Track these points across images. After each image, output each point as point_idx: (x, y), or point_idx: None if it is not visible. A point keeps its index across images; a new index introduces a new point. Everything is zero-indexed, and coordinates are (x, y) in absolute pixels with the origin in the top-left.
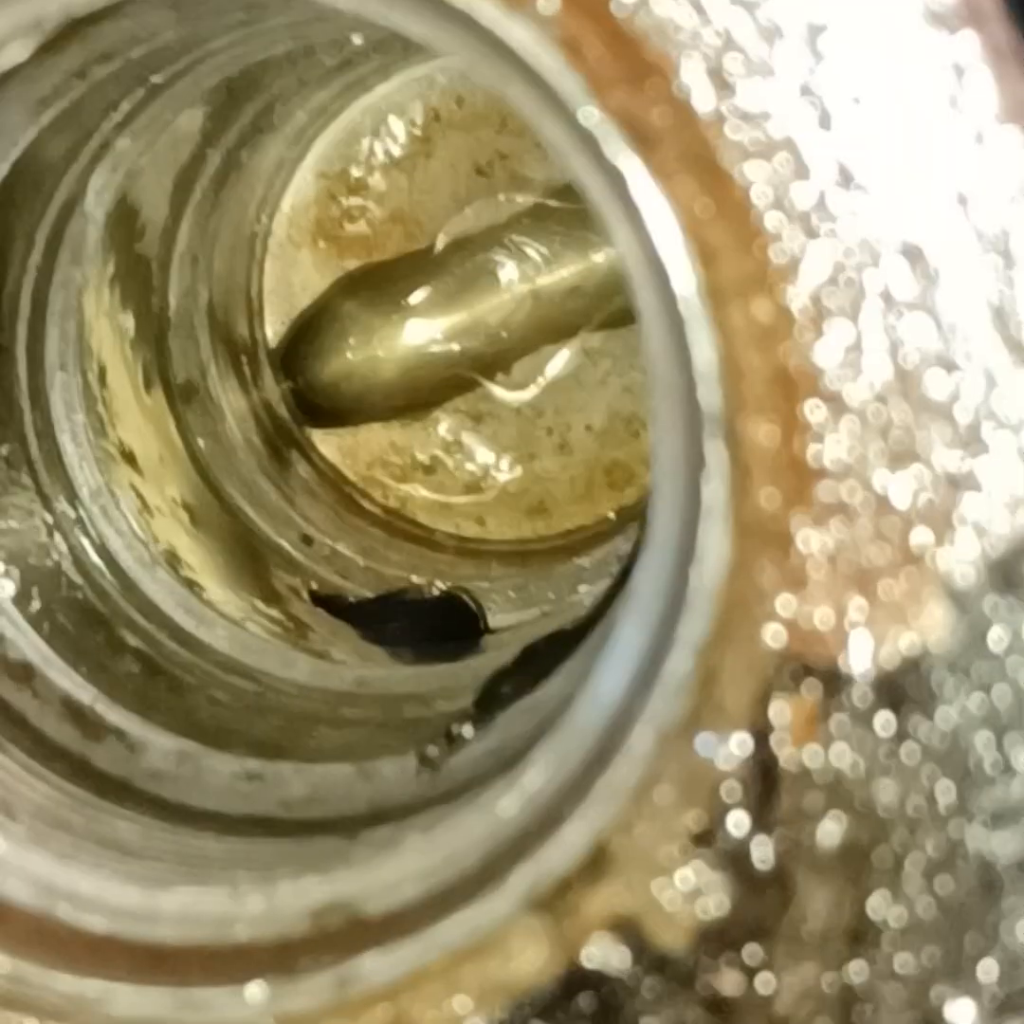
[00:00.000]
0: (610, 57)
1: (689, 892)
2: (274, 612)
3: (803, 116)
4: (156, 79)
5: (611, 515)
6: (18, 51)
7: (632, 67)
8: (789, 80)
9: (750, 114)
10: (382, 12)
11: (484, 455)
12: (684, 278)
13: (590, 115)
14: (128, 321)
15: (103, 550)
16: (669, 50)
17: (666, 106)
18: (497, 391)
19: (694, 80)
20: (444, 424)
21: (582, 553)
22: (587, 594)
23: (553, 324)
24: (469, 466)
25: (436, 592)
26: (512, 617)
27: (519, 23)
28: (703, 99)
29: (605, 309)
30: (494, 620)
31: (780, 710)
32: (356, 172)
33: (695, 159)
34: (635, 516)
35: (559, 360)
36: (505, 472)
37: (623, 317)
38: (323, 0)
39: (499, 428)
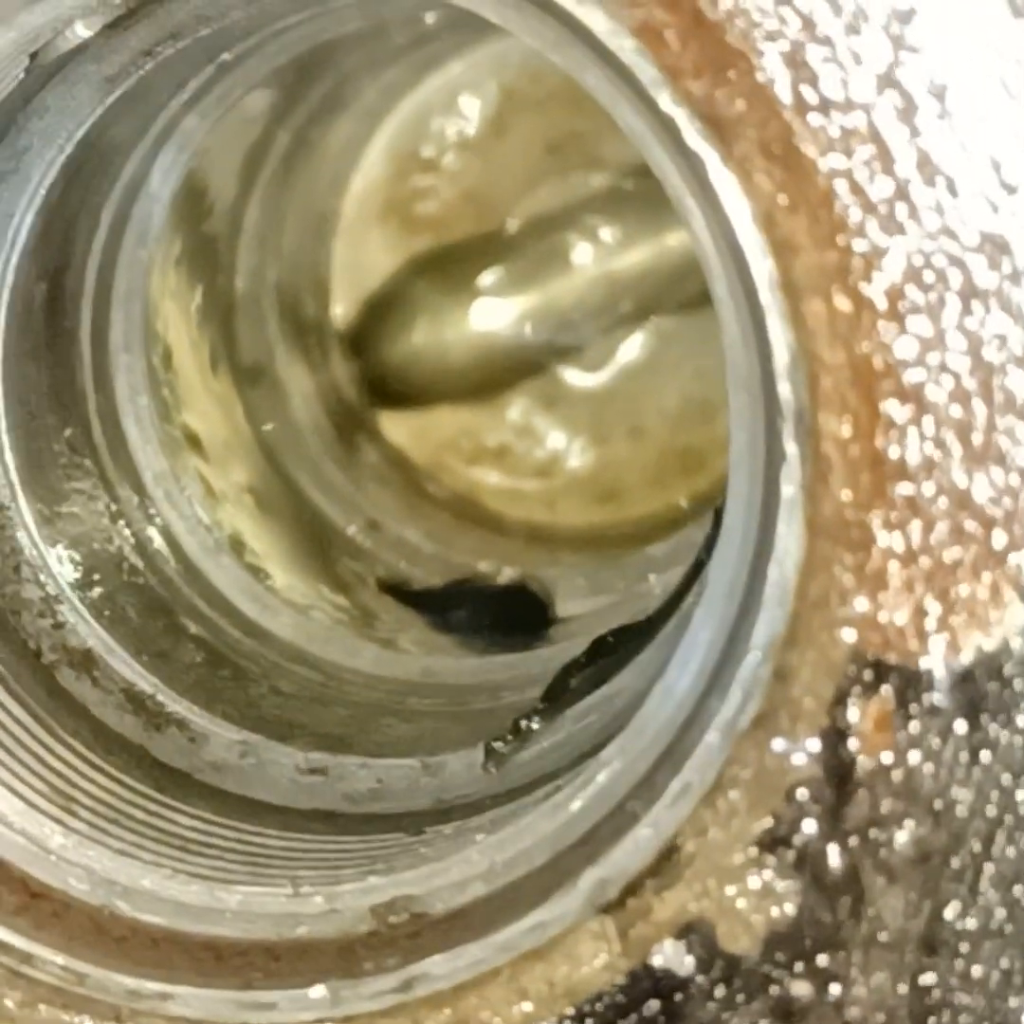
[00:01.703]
0: (690, 44)
1: (760, 897)
2: (340, 599)
3: (888, 106)
4: (225, 57)
5: (683, 502)
6: (84, 29)
7: (713, 55)
8: (874, 69)
9: (834, 103)
10: None
11: (555, 439)
12: (764, 269)
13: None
14: (194, 302)
15: (167, 536)
16: (752, 37)
17: (748, 94)
18: (569, 374)
19: (776, 68)
20: (515, 407)
21: (653, 541)
22: (657, 583)
23: (626, 307)
24: (539, 450)
25: (504, 580)
26: (581, 606)
27: (597, 7)
28: (785, 88)
29: (679, 293)
30: (563, 609)
31: (856, 713)
32: (427, 151)
33: (777, 148)
34: (708, 503)
35: (632, 343)
36: (576, 457)
37: (697, 301)
38: None
39: (570, 412)
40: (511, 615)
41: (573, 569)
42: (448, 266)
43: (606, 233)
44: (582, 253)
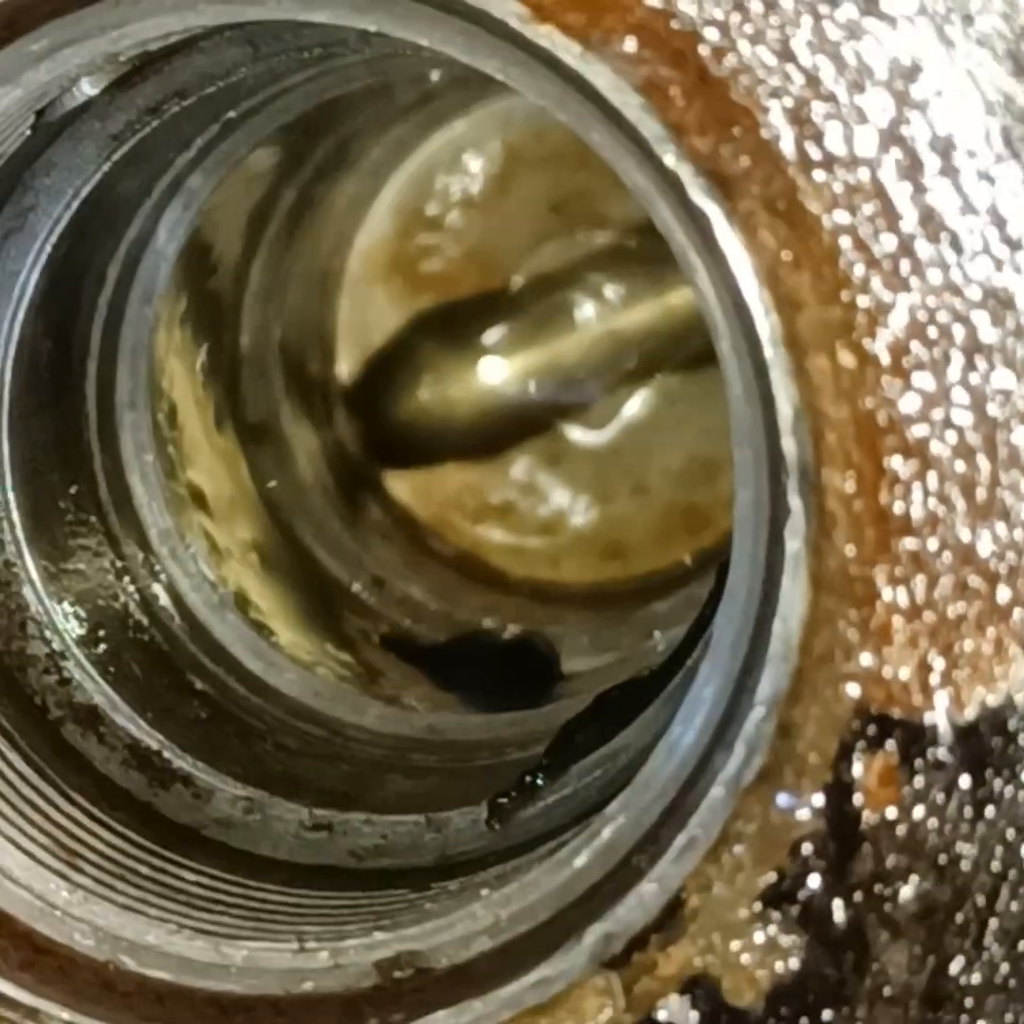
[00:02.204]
0: (695, 100)
1: (765, 952)
2: (345, 656)
3: (892, 162)
4: (230, 115)
5: (687, 560)
6: (90, 87)
7: (718, 111)
8: (878, 126)
9: (838, 159)
10: (463, 51)
11: (559, 497)
12: (768, 325)
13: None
14: (199, 359)
15: (172, 593)
16: (756, 94)
17: (752, 151)
18: (573, 432)
19: (781, 125)
20: (519, 465)
21: (657, 598)
22: (661, 640)
23: (630, 365)
24: (543, 508)
25: (508, 637)
26: (586, 663)
27: (601, 65)
28: (790, 144)
29: (683, 351)
30: (567, 666)
31: (860, 768)
32: (432, 209)
33: (781, 204)
34: (712, 561)
35: (636, 402)
36: (580, 514)
37: (701, 359)
38: (406, 37)
39: (574, 470)
40: (515, 672)
41: (577, 626)
42: (452, 324)
43: (610, 291)
44: (586, 311)
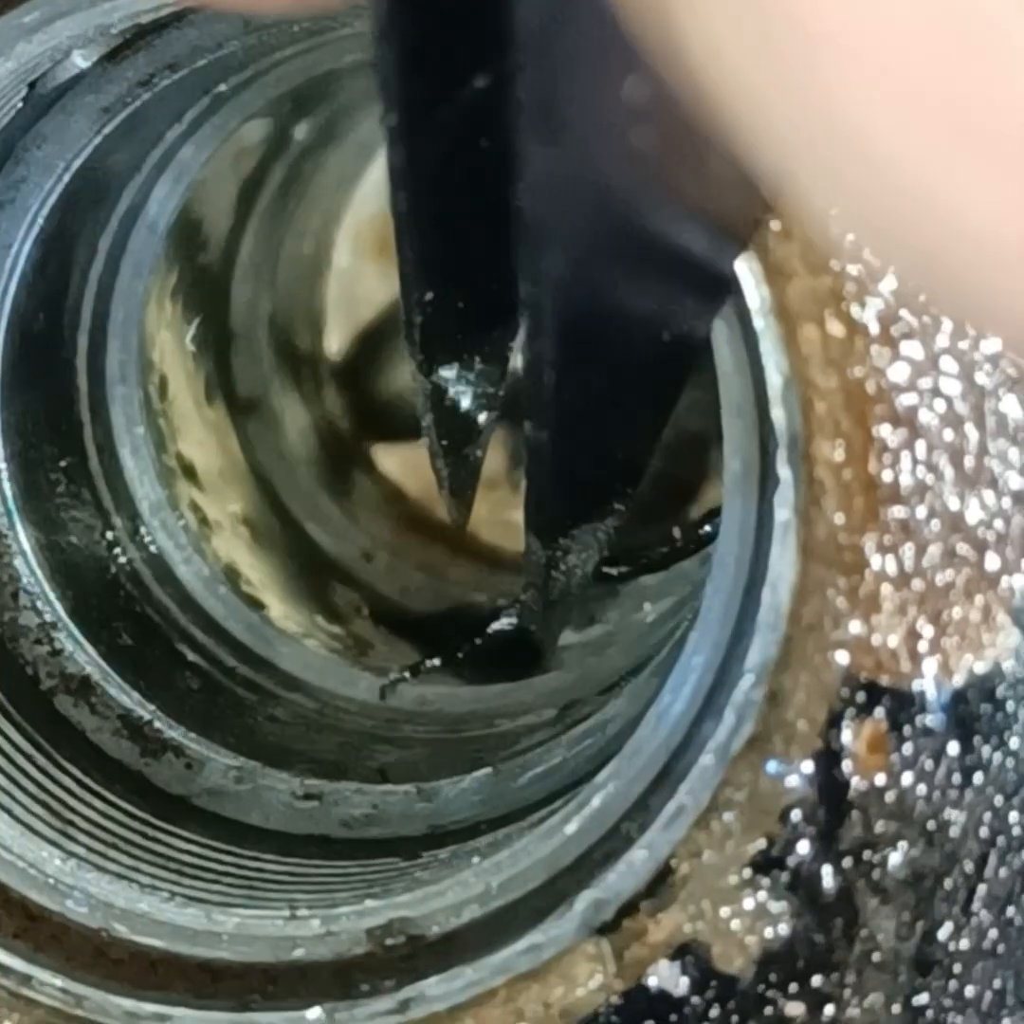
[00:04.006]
0: None
1: (755, 918)
2: (335, 629)
3: None
4: (221, 89)
5: (676, 533)
6: (81, 59)
7: None
8: None
9: None
10: None
11: None
12: (757, 295)
13: None
14: (190, 333)
15: (163, 565)
16: None
17: None
18: None
19: None
20: (507, 438)
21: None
22: (651, 611)
23: None
24: None
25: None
26: (575, 636)
27: None
28: None
29: None
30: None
31: (850, 735)
32: None
33: None
34: (700, 534)
35: None
36: None
37: None
38: None
39: None
40: (505, 645)
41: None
42: None
43: None
44: None
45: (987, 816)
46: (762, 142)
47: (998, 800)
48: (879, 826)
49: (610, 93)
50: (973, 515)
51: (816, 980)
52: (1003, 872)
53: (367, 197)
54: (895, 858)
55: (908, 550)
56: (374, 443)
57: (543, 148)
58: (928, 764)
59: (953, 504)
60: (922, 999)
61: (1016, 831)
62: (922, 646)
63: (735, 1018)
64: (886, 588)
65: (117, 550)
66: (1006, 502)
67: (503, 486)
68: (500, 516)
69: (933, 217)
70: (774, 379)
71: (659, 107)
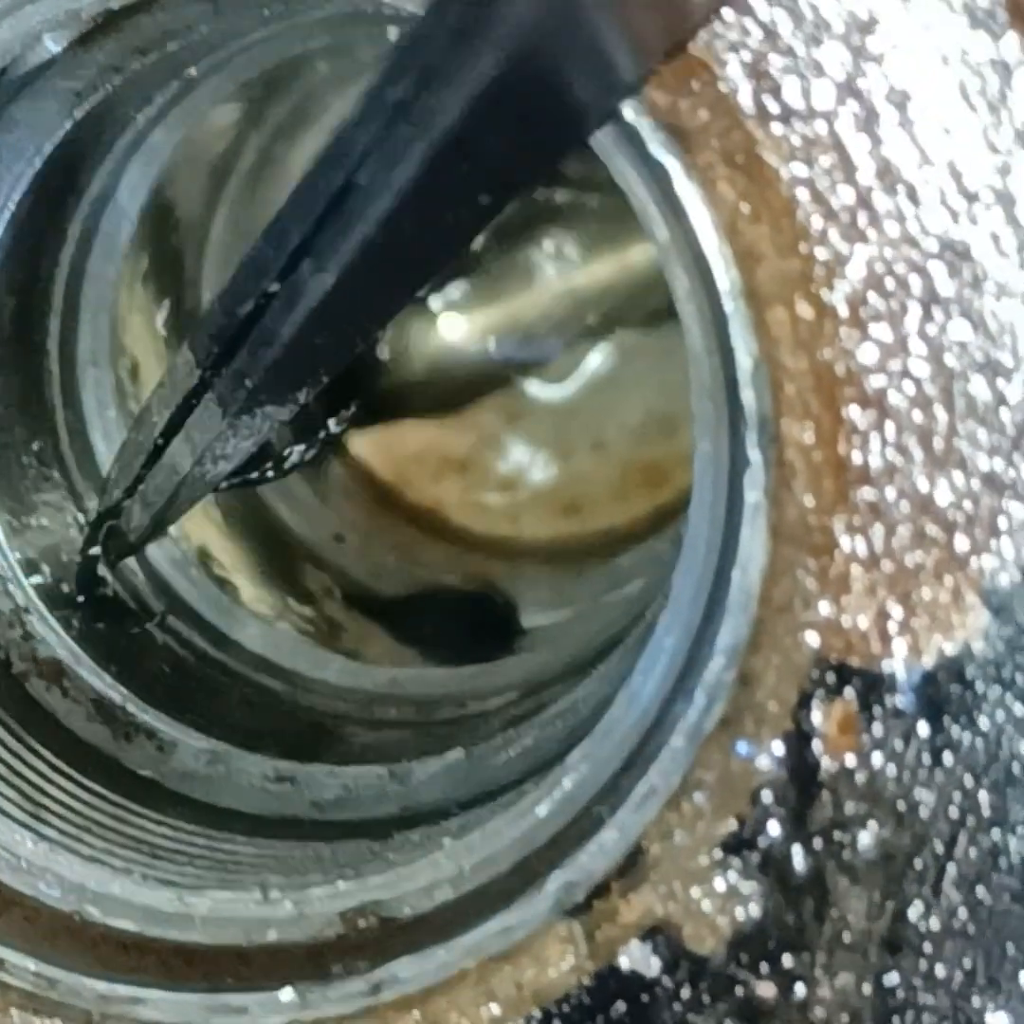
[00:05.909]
0: None
1: (726, 899)
2: (306, 611)
3: (849, 115)
4: (191, 72)
5: (646, 515)
6: (52, 44)
7: (676, 65)
8: (835, 79)
9: (796, 112)
10: (422, 6)
11: (519, 453)
12: (728, 278)
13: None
14: (161, 317)
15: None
16: (714, 48)
17: (711, 104)
18: (533, 388)
19: (739, 78)
20: (479, 421)
21: (617, 553)
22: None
23: (590, 321)
24: (503, 464)
25: (469, 591)
26: (546, 617)
27: None
28: (747, 97)
29: (642, 307)
30: (528, 620)
31: (820, 716)
32: None
33: (740, 157)
34: (671, 516)
35: (596, 358)
36: (540, 470)
37: (660, 315)
38: None
39: (534, 426)
40: (477, 626)
41: (537, 581)
42: None
43: (569, 248)
44: (546, 268)
45: (957, 796)
46: None
47: (968, 780)
48: (849, 807)
49: None
50: (942, 496)
51: (787, 960)
52: (973, 852)
53: None
54: (865, 838)
55: (878, 531)
56: None
57: None
58: (898, 745)
59: (923, 485)
60: (892, 979)
61: (986, 811)
62: (892, 627)
63: (706, 998)
64: (856, 569)
65: None
66: (975, 483)
67: (474, 468)
68: (471, 498)
69: None
70: (744, 361)
71: None
